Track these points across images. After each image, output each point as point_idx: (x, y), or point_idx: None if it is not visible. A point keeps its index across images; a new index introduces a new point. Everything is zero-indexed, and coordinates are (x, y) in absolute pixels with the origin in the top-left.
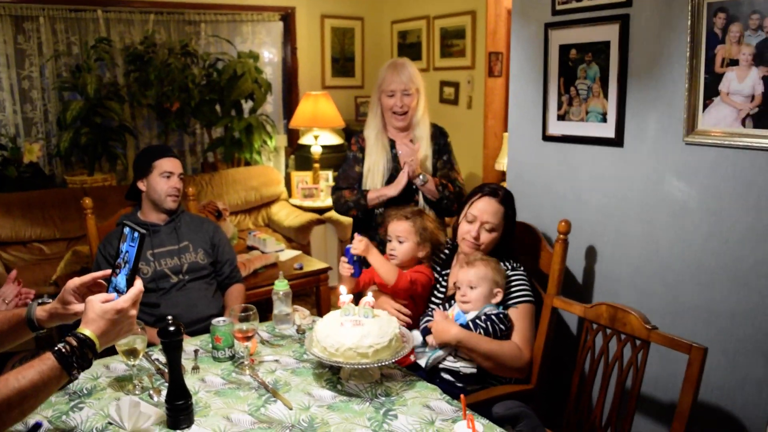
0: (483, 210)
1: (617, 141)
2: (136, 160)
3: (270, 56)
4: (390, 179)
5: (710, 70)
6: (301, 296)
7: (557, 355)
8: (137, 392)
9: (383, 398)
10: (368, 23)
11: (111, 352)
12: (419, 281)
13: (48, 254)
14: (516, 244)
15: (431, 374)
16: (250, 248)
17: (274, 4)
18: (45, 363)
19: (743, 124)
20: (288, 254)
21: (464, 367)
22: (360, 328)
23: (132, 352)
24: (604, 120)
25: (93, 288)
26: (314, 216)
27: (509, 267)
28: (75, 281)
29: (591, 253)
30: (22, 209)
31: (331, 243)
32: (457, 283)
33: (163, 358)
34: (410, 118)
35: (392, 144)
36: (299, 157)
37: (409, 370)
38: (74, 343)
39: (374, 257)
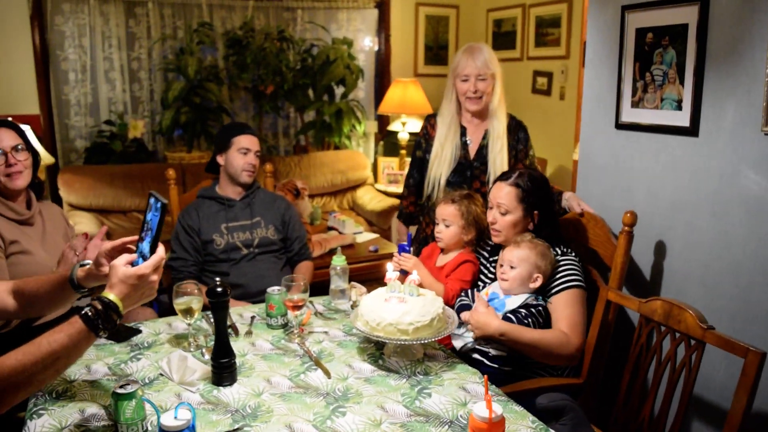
0: (494, 195)
1: (692, 130)
2: (217, 136)
3: (364, 43)
4: (457, 168)
5: None
6: (375, 279)
7: (614, 351)
8: (191, 349)
9: (421, 376)
10: (463, 11)
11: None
12: (465, 281)
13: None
14: (572, 232)
15: (462, 356)
16: (330, 228)
17: None
18: (73, 326)
19: None
20: (365, 236)
21: (494, 348)
22: (402, 305)
23: (188, 311)
24: (679, 108)
25: (124, 252)
26: (397, 201)
27: (559, 252)
28: (107, 245)
29: (660, 248)
30: (124, 181)
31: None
32: (500, 260)
33: None
34: (485, 104)
35: (463, 131)
36: (388, 143)
37: (453, 352)
38: (99, 306)
39: (422, 276)
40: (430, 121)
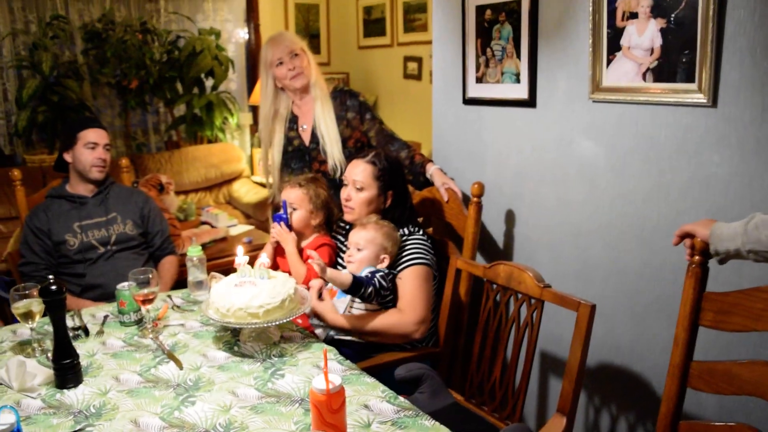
0: (350, 172)
1: (530, 102)
2: (62, 132)
3: (233, 33)
4: (296, 155)
5: (612, 24)
6: None
7: (472, 318)
8: (36, 355)
9: (276, 359)
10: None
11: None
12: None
13: (5, 232)
14: (428, 207)
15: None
16: (203, 223)
17: None
18: None
19: (644, 78)
20: (240, 229)
21: (354, 338)
22: (252, 288)
23: (29, 315)
24: (518, 81)
25: None
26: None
27: (407, 232)
28: None
29: (510, 217)
30: None
31: None
32: (347, 243)
33: (71, 323)
34: (308, 79)
35: (295, 119)
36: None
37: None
38: None
39: (290, 253)
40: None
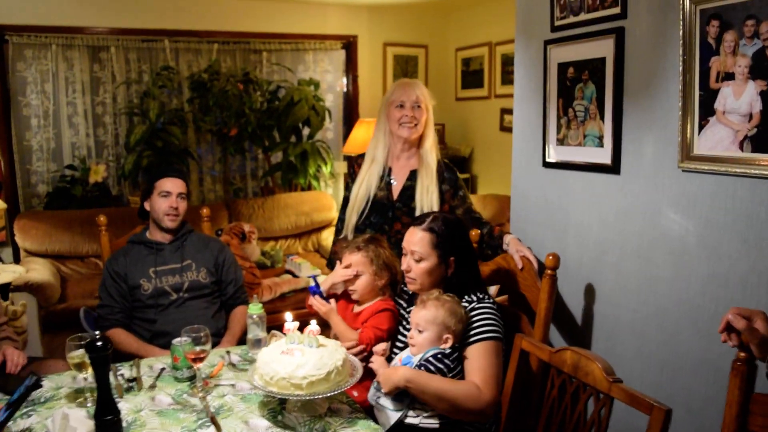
0: (408, 241)
1: (614, 168)
2: (143, 181)
3: (332, 84)
4: (378, 208)
5: (705, 86)
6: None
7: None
8: (88, 404)
9: None
10: (432, 51)
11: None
12: (381, 330)
13: (102, 269)
14: (502, 276)
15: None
16: (287, 272)
17: (337, 32)
18: None
19: (741, 147)
20: (321, 279)
21: (424, 422)
22: (296, 358)
23: (82, 365)
24: (601, 144)
25: None
26: None
27: (474, 300)
28: None
29: (589, 292)
30: (82, 226)
31: None
32: (410, 318)
33: (128, 373)
34: (417, 136)
35: (389, 171)
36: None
37: (362, 406)
38: None
39: (335, 324)
40: (357, 160)
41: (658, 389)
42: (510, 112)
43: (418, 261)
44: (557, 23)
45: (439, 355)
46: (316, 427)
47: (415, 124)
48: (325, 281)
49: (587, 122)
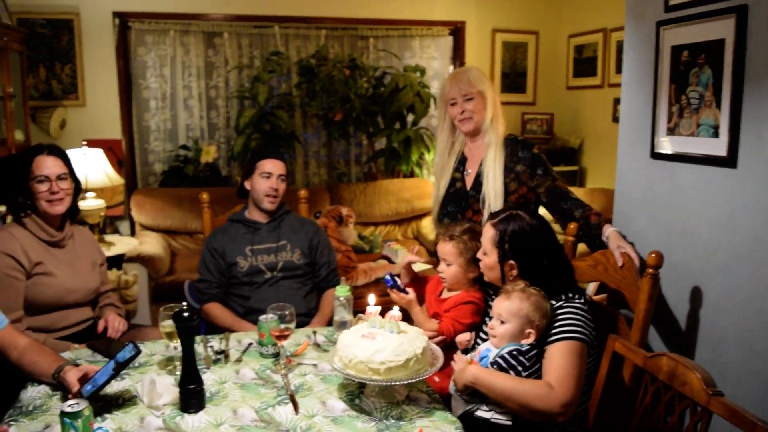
0: (483, 233)
1: (730, 160)
2: (246, 161)
3: (438, 71)
4: (455, 197)
5: None
6: None
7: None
8: (177, 372)
9: (393, 421)
10: (543, 37)
11: None
12: (462, 324)
13: None
14: (600, 271)
15: (465, 422)
16: (383, 257)
17: (444, 18)
18: None
19: None
20: (417, 267)
21: (496, 417)
22: (376, 342)
23: (172, 334)
24: (716, 135)
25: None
26: None
27: (563, 298)
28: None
29: (696, 295)
30: (191, 203)
31: None
32: (491, 311)
33: (218, 346)
34: (478, 124)
35: (464, 161)
36: None
37: (441, 398)
38: None
39: (415, 314)
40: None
41: (767, 410)
42: None
43: (484, 254)
44: (672, 2)
45: (514, 352)
46: (392, 414)
47: (470, 117)
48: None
49: (702, 110)
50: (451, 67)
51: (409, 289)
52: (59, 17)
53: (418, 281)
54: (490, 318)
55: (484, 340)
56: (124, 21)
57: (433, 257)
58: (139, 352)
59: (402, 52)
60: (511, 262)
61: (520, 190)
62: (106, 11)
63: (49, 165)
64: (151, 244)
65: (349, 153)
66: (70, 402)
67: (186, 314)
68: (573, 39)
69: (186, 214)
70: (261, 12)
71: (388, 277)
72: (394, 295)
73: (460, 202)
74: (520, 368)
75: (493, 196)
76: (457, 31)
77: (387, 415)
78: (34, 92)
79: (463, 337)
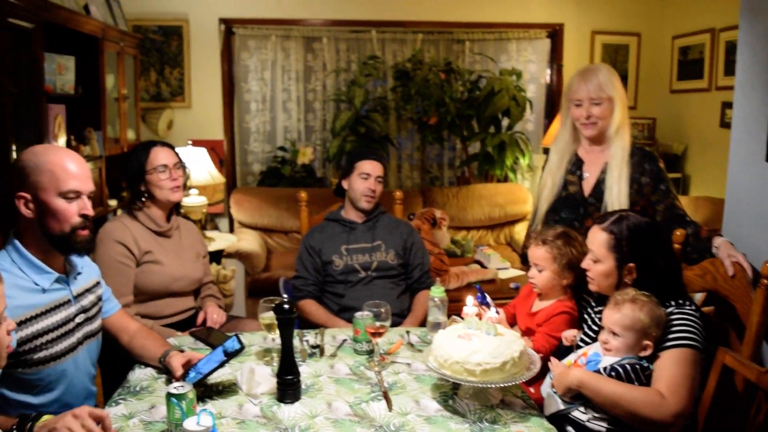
0: (588, 239)
1: None
2: (344, 160)
3: (534, 74)
4: (569, 203)
5: None
6: None
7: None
8: (274, 364)
9: (487, 424)
10: (645, 39)
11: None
12: (556, 338)
13: None
14: (709, 281)
15: (557, 422)
16: (476, 262)
17: (542, 21)
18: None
19: None
20: (510, 273)
21: (592, 421)
22: (472, 343)
23: (271, 326)
24: None
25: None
26: None
27: (673, 305)
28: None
29: None
30: (287, 203)
31: None
32: (603, 322)
33: (313, 340)
34: (601, 130)
35: (579, 164)
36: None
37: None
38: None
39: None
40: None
41: None
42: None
43: (595, 262)
44: None
45: (636, 366)
46: (486, 417)
47: (594, 122)
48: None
49: None
50: (548, 71)
51: (500, 310)
52: (170, 24)
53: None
54: (590, 325)
55: (586, 343)
56: (229, 27)
57: (525, 264)
58: (243, 347)
59: (498, 56)
60: (631, 265)
61: (640, 202)
62: (213, 18)
63: (165, 155)
64: (249, 241)
65: (442, 157)
66: (176, 384)
67: (287, 306)
68: (677, 40)
69: (282, 213)
70: (359, 17)
71: (479, 294)
72: (482, 312)
73: (576, 209)
74: (637, 383)
75: (617, 206)
76: (555, 33)
77: (481, 418)
78: (144, 94)
79: (570, 333)
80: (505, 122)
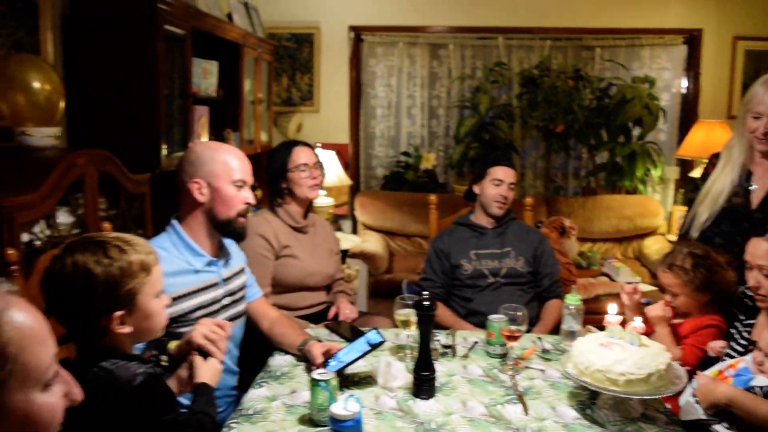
0: (751, 253)
1: None
2: (476, 165)
3: (668, 82)
4: (731, 216)
5: None
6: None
7: None
8: (407, 360)
9: None
10: None
11: None
12: (702, 349)
13: (425, 249)
14: None
15: (692, 429)
16: (603, 275)
17: (678, 26)
18: None
19: None
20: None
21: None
22: (616, 353)
23: (406, 323)
24: None
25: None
26: None
27: None
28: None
29: None
30: (410, 207)
31: None
32: (759, 343)
33: (444, 340)
34: None
35: (748, 175)
36: (689, 191)
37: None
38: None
39: (661, 335)
40: (712, 160)
41: None
42: None
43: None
44: None
45: None
46: (627, 429)
47: None
48: None
49: None
50: (685, 80)
51: (667, 308)
52: (303, 31)
53: None
54: (737, 339)
55: (731, 356)
56: (358, 34)
57: (656, 280)
58: (384, 340)
59: (630, 62)
60: None
61: None
62: (343, 26)
63: (306, 154)
64: (373, 243)
65: (567, 166)
66: (319, 371)
67: (427, 303)
68: None
69: (405, 217)
70: (485, 23)
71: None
72: (652, 309)
73: (739, 222)
74: None
75: None
76: (693, 39)
77: (622, 430)
78: (276, 99)
79: (717, 344)
80: (635, 132)
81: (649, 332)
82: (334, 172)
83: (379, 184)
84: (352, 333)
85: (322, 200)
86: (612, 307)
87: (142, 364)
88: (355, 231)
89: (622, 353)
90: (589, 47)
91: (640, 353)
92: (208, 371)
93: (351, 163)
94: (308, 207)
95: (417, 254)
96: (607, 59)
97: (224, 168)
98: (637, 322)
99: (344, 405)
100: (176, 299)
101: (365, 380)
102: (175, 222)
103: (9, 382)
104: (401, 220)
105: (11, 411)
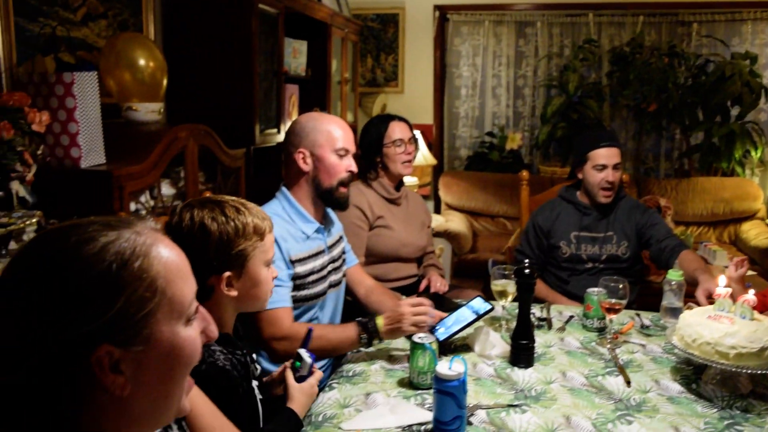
0: None
1: None
2: (574, 147)
3: None
4: None
5: None
6: None
7: None
8: (502, 331)
9: (738, 412)
10: None
11: None
12: None
13: (509, 229)
14: None
15: None
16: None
17: None
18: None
19: None
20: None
21: None
22: (727, 325)
23: (503, 293)
24: None
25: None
26: None
27: None
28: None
29: None
30: (495, 188)
31: None
32: None
33: (539, 313)
34: None
35: None
36: None
37: None
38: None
39: None
40: None
41: None
42: None
43: None
44: None
45: None
46: (736, 404)
47: None
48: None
49: None
50: None
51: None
52: (387, 12)
53: None
54: None
55: None
56: (443, 13)
57: (756, 265)
58: (493, 308)
59: (729, 38)
60: None
61: None
62: (428, 5)
63: (402, 129)
64: (456, 223)
65: (658, 147)
66: (420, 335)
67: (528, 271)
68: None
69: (489, 197)
70: (575, 0)
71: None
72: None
73: None
74: None
75: None
76: None
77: (731, 405)
78: (361, 79)
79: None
80: (734, 111)
81: (761, 309)
82: (421, 152)
83: (463, 165)
84: (444, 305)
85: (407, 179)
86: (722, 279)
87: (225, 352)
88: (438, 211)
89: (731, 326)
90: (685, 22)
91: (753, 326)
92: (302, 396)
93: (435, 143)
94: (400, 180)
95: (501, 234)
96: (704, 35)
97: (327, 137)
98: (750, 294)
99: (449, 365)
100: (293, 262)
101: (461, 348)
102: (285, 189)
103: (158, 314)
104: (485, 201)
105: (159, 341)
